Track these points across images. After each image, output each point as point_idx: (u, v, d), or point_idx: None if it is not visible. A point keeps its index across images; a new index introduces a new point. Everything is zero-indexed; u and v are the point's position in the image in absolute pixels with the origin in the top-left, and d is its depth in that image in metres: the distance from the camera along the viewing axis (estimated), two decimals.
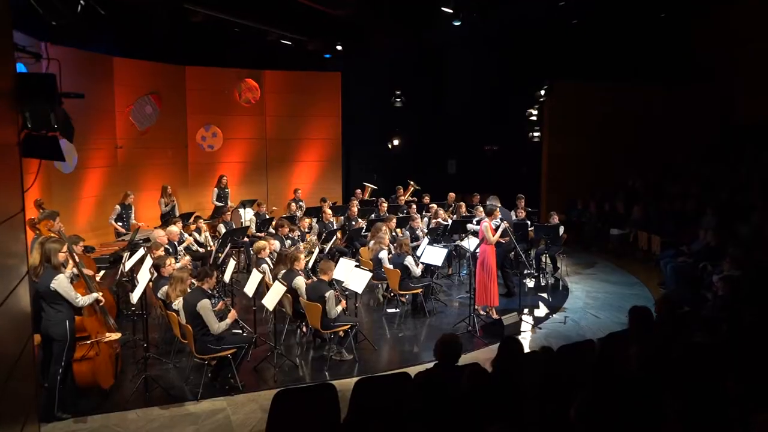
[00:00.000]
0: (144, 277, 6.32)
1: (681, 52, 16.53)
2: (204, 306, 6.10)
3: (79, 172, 12.09)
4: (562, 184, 16.72)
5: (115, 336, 6.03)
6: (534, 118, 16.92)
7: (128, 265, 7.32)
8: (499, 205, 9.24)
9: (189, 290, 6.55)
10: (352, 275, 7.62)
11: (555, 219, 11.60)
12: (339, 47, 15.19)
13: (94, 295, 5.86)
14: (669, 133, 16.30)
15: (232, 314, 6.41)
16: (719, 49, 16.07)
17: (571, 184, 16.42)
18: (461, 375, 4.41)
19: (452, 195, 14.32)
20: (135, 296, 6.32)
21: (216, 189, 13.83)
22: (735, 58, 15.67)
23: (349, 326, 7.22)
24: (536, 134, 17.01)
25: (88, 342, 5.74)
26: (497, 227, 8.74)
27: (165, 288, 6.89)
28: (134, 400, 6.15)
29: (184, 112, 14.85)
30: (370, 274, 7.51)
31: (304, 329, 7.97)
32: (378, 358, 7.50)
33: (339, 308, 7.13)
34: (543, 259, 11.73)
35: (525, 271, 11.55)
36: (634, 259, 13.15)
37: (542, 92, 16.65)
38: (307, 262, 8.59)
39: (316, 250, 9.13)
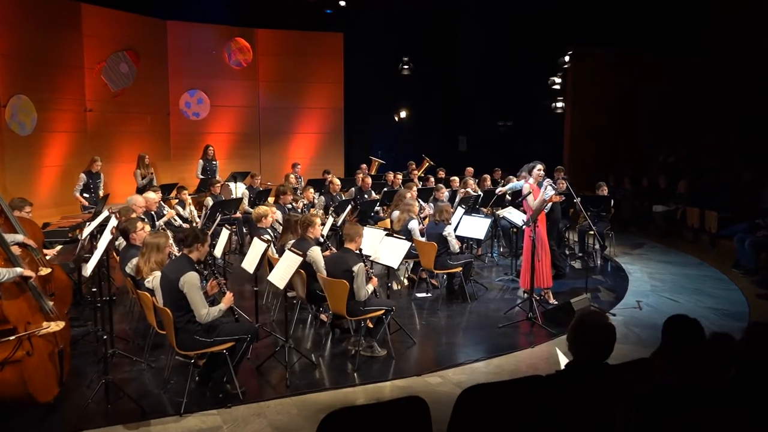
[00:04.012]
0: (104, 241, 4.47)
1: (705, 22, 14.96)
2: (190, 281, 4.29)
3: (40, 136, 10.22)
4: (586, 159, 15.07)
5: (56, 326, 4.18)
6: (557, 87, 15.23)
7: (87, 231, 5.46)
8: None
9: (169, 261, 4.75)
10: (383, 246, 5.84)
11: (604, 190, 9.90)
12: (342, 2, 13.38)
13: (17, 270, 4.01)
14: (696, 106, 14.73)
15: (229, 297, 4.60)
16: (745, 20, 14.49)
17: (598, 159, 14.78)
18: (623, 378, 2.69)
19: (470, 169, 12.59)
20: (89, 267, 4.47)
21: (201, 161, 11.98)
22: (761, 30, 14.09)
23: (383, 312, 5.43)
24: (559, 104, 15.33)
25: (13, 338, 3.86)
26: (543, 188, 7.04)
27: (135, 260, 5.07)
28: (90, 415, 4.33)
29: (166, 74, 12.95)
30: (408, 243, 5.73)
31: (324, 318, 6.18)
32: (419, 354, 5.74)
33: (370, 287, 5.35)
34: (586, 239, 10.03)
35: (566, 251, 9.95)
36: (682, 237, 11.55)
37: (566, 59, 14.96)
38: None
39: (329, 221, 7.32)
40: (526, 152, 15.20)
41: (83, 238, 5.52)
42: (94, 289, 5.18)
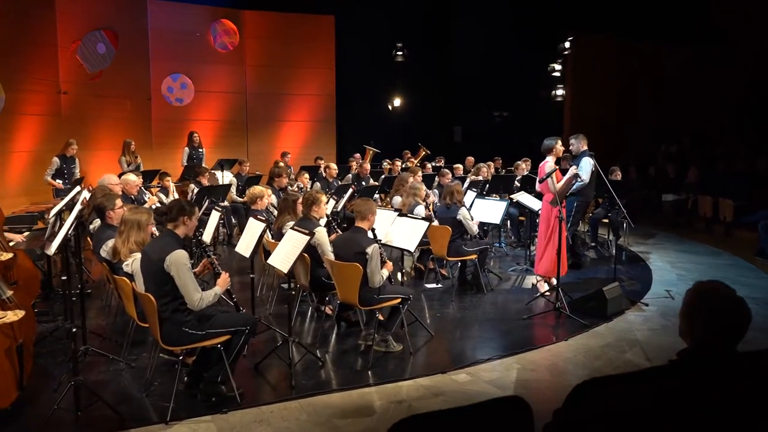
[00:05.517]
0: (72, 215, 3.72)
1: (705, 12, 14.52)
2: (178, 261, 3.57)
3: (9, 118, 9.41)
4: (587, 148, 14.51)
5: (14, 316, 3.44)
6: (557, 74, 14.68)
7: (55, 210, 4.71)
8: (585, 146, 6.87)
9: (151, 240, 4.01)
10: (396, 228, 5.16)
11: (617, 175, 9.33)
12: None
13: None
14: (698, 95, 14.27)
15: (224, 278, 3.89)
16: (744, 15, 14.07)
17: (599, 148, 14.15)
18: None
19: (471, 159, 11.99)
20: (53, 246, 3.72)
21: (187, 148, 11.18)
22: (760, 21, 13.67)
23: (399, 300, 4.74)
24: (559, 92, 14.77)
25: None
26: (564, 171, 6.39)
27: (111, 242, 4.33)
28: (56, 424, 3.58)
29: (146, 57, 12.11)
30: (426, 224, 5.04)
31: (329, 310, 5.49)
32: (439, 349, 5.05)
33: (385, 272, 4.66)
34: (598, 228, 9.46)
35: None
36: (693, 227, 11.06)
37: (566, 44, 14.41)
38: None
39: (331, 204, 6.62)
40: (523, 143, 14.66)
41: (50, 217, 4.75)
42: (64, 278, 4.45)
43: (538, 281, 6.76)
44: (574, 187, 6.37)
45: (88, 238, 5.52)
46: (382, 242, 5.05)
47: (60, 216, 4.59)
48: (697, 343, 2.11)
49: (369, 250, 4.48)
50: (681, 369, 2.06)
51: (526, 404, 1.66)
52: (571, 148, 7.07)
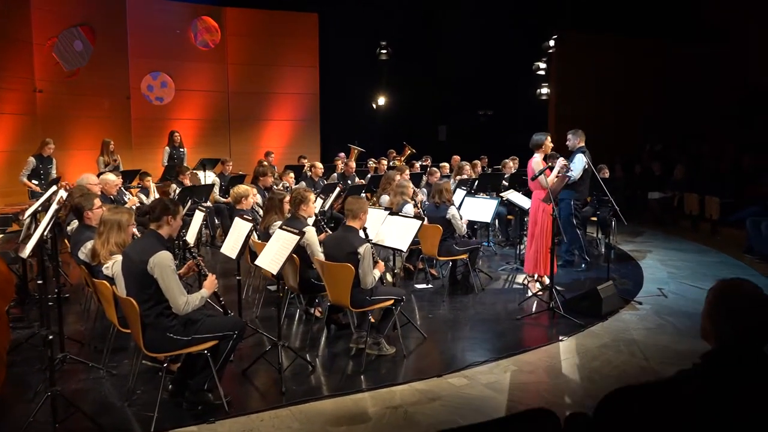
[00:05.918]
0: (48, 215, 3.50)
1: (692, 8, 14.58)
2: (162, 262, 3.37)
3: None
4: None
5: None
6: (542, 72, 14.61)
7: (30, 211, 4.47)
8: (581, 143, 6.81)
9: (133, 241, 3.81)
10: (387, 227, 5.00)
11: (605, 173, 9.29)
12: None
13: None
14: (684, 93, 14.32)
15: (211, 281, 3.70)
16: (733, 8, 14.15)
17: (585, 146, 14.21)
18: None
19: (457, 158, 11.85)
20: (28, 247, 3.51)
21: (168, 148, 10.91)
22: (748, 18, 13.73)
23: (392, 302, 4.59)
24: (544, 91, 14.71)
25: None
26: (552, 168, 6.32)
27: (90, 243, 4.11)
28: None
29: (126, 54, 11.83)
30: (419, 223, 4.89)
31: (318, 313, 5.31)
32: (433, 351, 4.90)
33: (377, 273, 4.50)
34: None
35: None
36: (679, 225, 11.04)
37: (551, 43, 14.35)
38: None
39: (318, 202, 6.44)
40: (508, 142, 14.60)
41: (25, 218, 4.52)
42: (41, 282, 4.23)
43: (528, 281, 6.69)
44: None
45: (66, 240, 5.29)
46: (373, 242, 4.90)
47: (35, 217, 4.36)
48: (721, 344, 1.98)
49: (361, 249, 4.32)
50: (706, 373, 1.93)
51: (555, 416, 1.52)
52: (567, 143, 7.02)
